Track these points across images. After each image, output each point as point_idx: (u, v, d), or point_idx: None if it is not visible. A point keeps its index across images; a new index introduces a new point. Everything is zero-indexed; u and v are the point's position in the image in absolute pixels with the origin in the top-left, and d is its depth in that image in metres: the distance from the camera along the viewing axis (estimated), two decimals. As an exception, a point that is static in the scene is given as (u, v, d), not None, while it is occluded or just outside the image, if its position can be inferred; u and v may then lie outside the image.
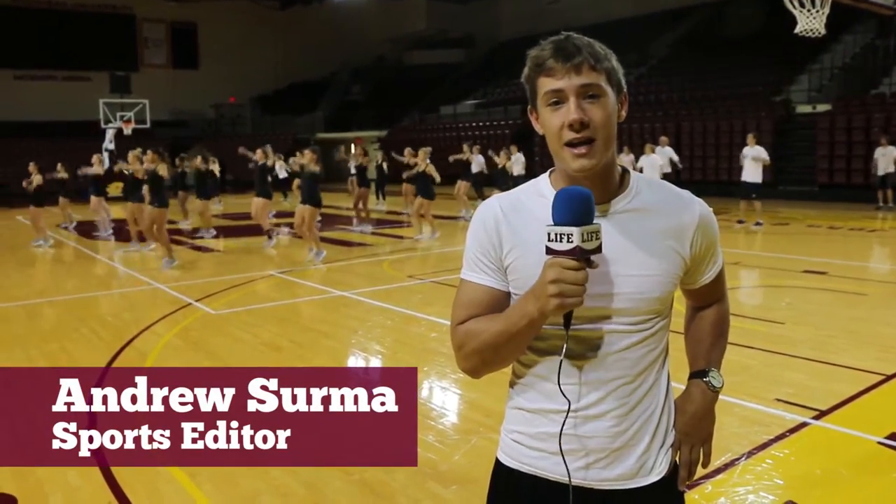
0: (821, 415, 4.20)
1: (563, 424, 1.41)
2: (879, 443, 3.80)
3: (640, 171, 13.16)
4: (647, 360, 1.45)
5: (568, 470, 1.41)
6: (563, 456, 1.41)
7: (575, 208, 1.26)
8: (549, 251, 1.27)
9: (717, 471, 3.46)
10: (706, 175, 19.40)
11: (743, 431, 3.94)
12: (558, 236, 1.25)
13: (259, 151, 12.80)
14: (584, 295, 1.26)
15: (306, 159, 10.44)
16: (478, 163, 16.81)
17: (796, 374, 4.96)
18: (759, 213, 12.95)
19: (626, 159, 14.75)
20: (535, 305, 1.29)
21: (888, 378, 4.81)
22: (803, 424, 4.08)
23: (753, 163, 12.87)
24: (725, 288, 1.66)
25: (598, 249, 1.27)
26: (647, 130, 20.56)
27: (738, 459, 3.58)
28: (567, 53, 1.35)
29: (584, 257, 1.25)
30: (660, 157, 14.31)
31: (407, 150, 14.02)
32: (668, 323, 1.50)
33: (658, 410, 1.49)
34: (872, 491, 3.36)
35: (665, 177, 13.39)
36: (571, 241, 1.24)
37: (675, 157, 15.43)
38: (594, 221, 1.28)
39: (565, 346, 1.37)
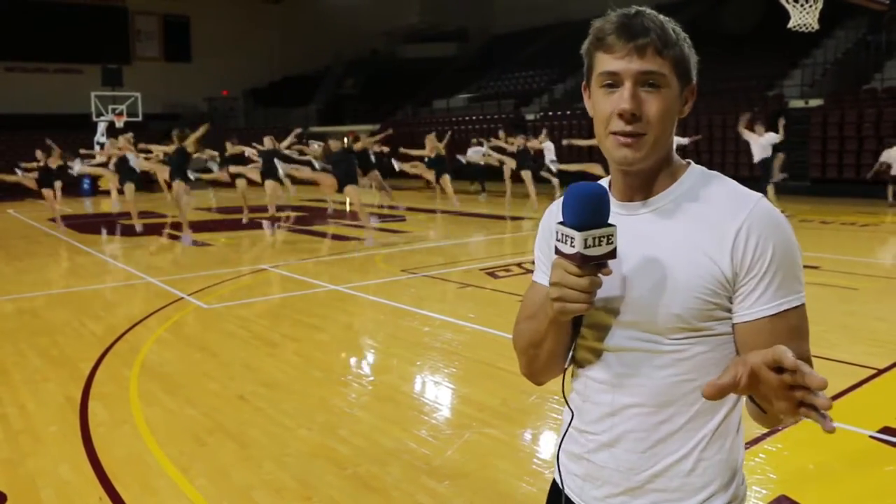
0: (813, 409, 4.20)
1: (563, 436, 1.36)
2: (872, 437, 3.81)
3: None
4: (676, 392, 1.22)
5: (562, 480, 1.38)
6: (558, 465, 1.38)
7: (579, 210, 1.11)
8: (556, 251, 1.15)
9: (710, 465, 3.46)
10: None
11: (736, 426, 3.94)
12: (564, 237, 1.12)
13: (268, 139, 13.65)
14: (590, 301, 1.12)
15: (367, 143, 10.93)
16: (549, 149, 16.57)
17: (789, 368, 4.96)
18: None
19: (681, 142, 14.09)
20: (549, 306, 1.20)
21: (880, 372, 4.84)
22: (796, 419, 4.09)
23: None
24: (808, 351, 1.19)
25: (612, 255, 1.11)
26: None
27: (731, 454, 3.58)
28: (632, 32, 1.17)
29: (590, 264, 1.11)
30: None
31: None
32: (715, 353, 1.22)
33: (692, 461, 1.23)
34: (865, 485, 3.37)
35: None
36: (573, 247, 1.10)
37: (684, 141, 15.55)
38: (608, 223, 1.11)
39: (571, 355, 1.31)
